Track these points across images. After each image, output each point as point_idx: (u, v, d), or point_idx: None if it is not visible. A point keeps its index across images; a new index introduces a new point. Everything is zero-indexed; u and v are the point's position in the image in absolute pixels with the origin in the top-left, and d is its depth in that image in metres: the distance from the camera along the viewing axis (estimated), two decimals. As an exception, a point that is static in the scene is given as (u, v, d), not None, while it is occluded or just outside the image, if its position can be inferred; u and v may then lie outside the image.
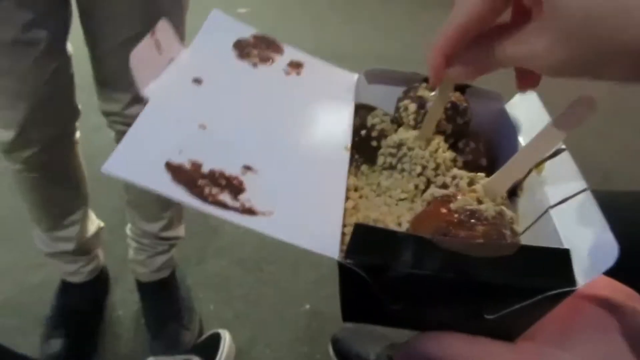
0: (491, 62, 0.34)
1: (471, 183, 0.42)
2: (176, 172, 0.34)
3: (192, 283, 1.30)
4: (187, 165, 0.35)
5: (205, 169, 0.36)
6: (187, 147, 0.36)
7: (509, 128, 0.55)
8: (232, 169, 0.36)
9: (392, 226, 0.40)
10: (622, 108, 2.03)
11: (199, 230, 1.46)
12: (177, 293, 1.22)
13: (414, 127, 0.51)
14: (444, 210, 0.34)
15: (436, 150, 0.48)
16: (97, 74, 0.92)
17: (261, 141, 0.40)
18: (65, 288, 1.19)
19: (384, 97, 0.58)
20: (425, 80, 0.55)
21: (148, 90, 0.39)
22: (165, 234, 1.12)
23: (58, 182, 1.01)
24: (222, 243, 1.46)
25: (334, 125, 0.47)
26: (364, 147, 0.53)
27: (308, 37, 2.40)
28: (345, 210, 0.40)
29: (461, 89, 0.57)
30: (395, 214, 0.41)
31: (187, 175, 0.34)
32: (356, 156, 0.53)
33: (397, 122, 0.54)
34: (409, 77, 0.56)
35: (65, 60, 0.87)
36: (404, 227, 0.40)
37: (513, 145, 0.54)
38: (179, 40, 0.45)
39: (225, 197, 0.34)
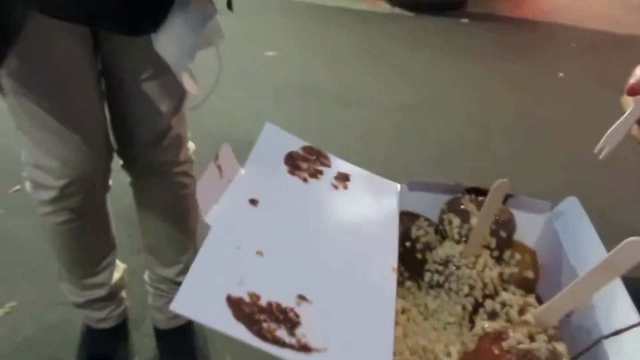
0: None
1: (521, 311, 0.42)
2: (236, 307, 0.36)
3: (209, 332, 1.29)
4: (247, 299, 0.37)
5: (264, 301, 0.37)
6: (247, 277, 0.38)
7: (554, 239, 0.55)
8: (288, 300, 0.38)
9: (441, 356, 0.40)
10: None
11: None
12: (194, 342, 1.19)
13: (459, 241, 0.52)
14: (496, 352, 0.35)
15: (483, 269, 0.48)
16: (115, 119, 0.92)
17: (313, 266, 0.42)
18: (91, 335, 1.17)
19: (426, 205, 0.59)
20: (468, 191, 0.57)
21: (210, 216, 0.41)
22: (182, 279, 1.10)
23: (95, 229, 0.99)
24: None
25: (381, 242, 0.49)
26: (410, 260, 0.54)
27: (334, 82, 2.45)
28: (395, 337, 0.40)
29: (504, 199, 0.57)
30: (444, 342, 0.41)
31: (246, 310, 0.36)
32: (402, 268, 0.53)
33: (441, 234, 0.55)
34: (451, 188, 0.57)
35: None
36: (454, 358, 0.40)
37: (558, 257, 0.54)
38: (237, 162, 0.48)
39: (283, 333, 0.35)
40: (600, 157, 0.41)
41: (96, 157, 0.87)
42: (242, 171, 0.49)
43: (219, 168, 0.45)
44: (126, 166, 1.00)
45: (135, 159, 0.95)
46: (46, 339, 1.28)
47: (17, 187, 1.52)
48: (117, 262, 1.19)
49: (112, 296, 1.17)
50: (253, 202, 0.46)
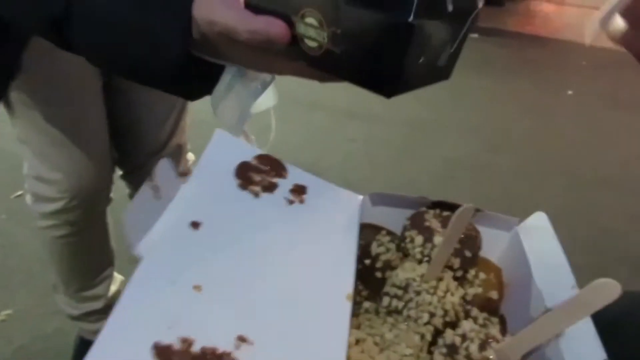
0: None
1: (483, 346, 0.39)
2: (164, 356, 0.31)
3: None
4: (177, 345, 0.33)
5: (197, 346, 0.33)
6: (180, 319, 0.34)
7: (521, 256, 0.53)
8: (225, 343, 0.34)
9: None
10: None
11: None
12: None
13: (420, 261, 0.49)
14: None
15: (445, 294, 0.45)
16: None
17: (258, 300, 0.38)
18: (86, 347, 1.15)
19: (390, 218, 0.56)
20: (433, 205, 0.54)
21: (140, 247, 0.37)
22: None
23: (95, 243, 0.99)
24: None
25: (337, 265, 0.45)
26: (369, 279, 0.50)
27: (341, 96, 2.39)
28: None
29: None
30: (400, 379, 0.38)
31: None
32: (360, 287, 0.50)
33: (403, 251, 0.51)
34: (415, 201, 0.54)
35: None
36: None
37: (524, 275, 0.52)
38: (177, 177, 0.43)
39: (216, 385, 0.31)
40: (588, 41, 0.33)
41: (99, 169, 0.86)
42: (185, 187, 0.44)
43: (155, 188, 0.40)
44: (126, 177, 1.00)
45: (135, 170, 0.95)
46: (40, 348, 1.27)
47: (20, 192, 1.51)
48: (115, 274, 1.18)
49: (109, 309, 1.14)
50: (195, 224, 0.42)
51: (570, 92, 2.68)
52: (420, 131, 2.17)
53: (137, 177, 0.96)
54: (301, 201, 0.50)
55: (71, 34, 0.41)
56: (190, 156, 1.03)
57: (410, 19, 0.28)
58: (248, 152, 0.52)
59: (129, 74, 0.45)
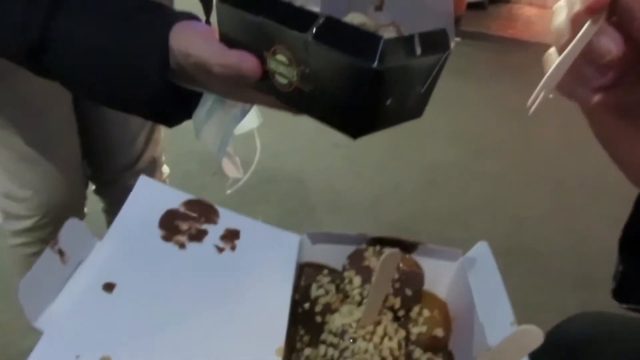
0: None
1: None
2: None
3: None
4: None
5: None
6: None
7: (466, 289, 0.51)
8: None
9: None
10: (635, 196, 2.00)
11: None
12: None
13: (360, 303, 0.47)
14: None
15: (382, 340, 0.43)
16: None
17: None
18: None
19: (331, 256, 0.54)
20: (373, 241, 0.52)
21: (41, 320, 0.34)
22: None
23: None
24: None
25: (268, 317, 0.43)
26: (309, 323, 0.48)
27: None
28: None
29: (409, 248, 0.53)
30: None
31: None
32: (302, 332, 0.48)
33: (343, 292, 0.49)
34: (354, 239, 0.52)
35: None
36: None
37: (470, 309, 0.50)
38: (90, 235, 0.41)
39: None
40: (531, 111, 0.31)
41: (71, 185, 0.84)
42: (100, 245, 0.42)
43: (60, 252, 0.38)
44: (99, 191, 0.98)
45: (108, 184, 0.92)
46: (17, 363, 1.20)
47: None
48: None
49: None
50: (108, 287, 0.39)
51: (551, 96, 2.72)
52: (403, 137, 2.17)
53: (111, 191, 0.93)
54: (232, 247, 0.48)
55: (48, 63, 0.41)
56: (166, 169, 1.01)
57: (375, 65, 0.27)
58: (175, 198, 0.49)
59: (107, 102, 0.46)
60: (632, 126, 0.30)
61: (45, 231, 0.84)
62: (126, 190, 0.99)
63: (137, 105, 0.42)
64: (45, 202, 0.81)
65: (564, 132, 2.30)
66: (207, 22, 0.80)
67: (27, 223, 0.82)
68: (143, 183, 0.48)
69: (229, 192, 0.87)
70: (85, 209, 0.96)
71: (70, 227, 0.39)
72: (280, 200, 1.75)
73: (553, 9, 0.30)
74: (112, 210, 0.97)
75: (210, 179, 1.70)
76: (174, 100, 0.41)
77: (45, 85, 0.75)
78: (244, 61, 0.34)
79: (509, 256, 1.51)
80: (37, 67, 0.42)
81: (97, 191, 0.97)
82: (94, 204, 1.00)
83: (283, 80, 0.33)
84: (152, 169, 0.93)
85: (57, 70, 0.42)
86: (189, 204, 0.50)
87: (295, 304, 0.49)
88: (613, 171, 0.45)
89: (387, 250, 0.39)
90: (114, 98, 0.43)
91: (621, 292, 0.42)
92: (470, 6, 3.66)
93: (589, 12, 0.25)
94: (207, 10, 0.81)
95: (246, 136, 0.60)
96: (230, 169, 0.68)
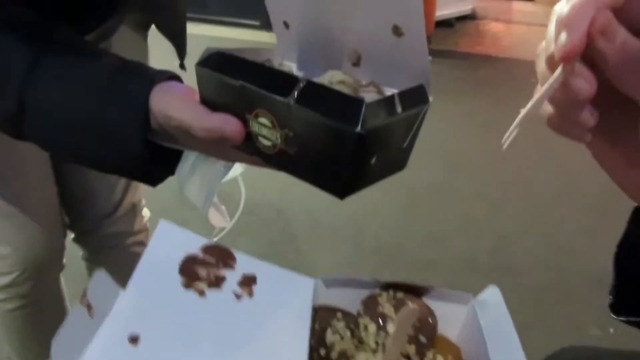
0: None
1: None
2: None
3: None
4: None
5: None
6: None
7: (478, 333, 0.52)
8: None
9: None
10: (612, 206, 2.04)
11: None
12: None
13: (375, 350, 0.48)
14: None
15: (399, 389, 0.44)
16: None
17: None
18: None
19: (344, 300, 0.55)
20: (387, 287, 0.53)
21: (71, 377, 0.35)
22: None
23: (49, 311, 0.94)
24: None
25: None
26: (324, 369, 0.49)
27: None
28: None
29: (420, 291, 0.54)
30: None
31: None
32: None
33: (358, 338, 0.50)
34: (367, 284, 0.53)
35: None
36: None
37: (483, 354, 0.51)
38: (115, 286, 0.41)
39: None
40: (505, 146, 0.33)
41: (50, 237, 0.83)
42: (123, 295, 0.42)
43: (88, 306, 0.38)
44: (78, 240, 0.96)
45: (88, 232, 0.91)
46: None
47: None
48: None
49: None
50: (133, 339, 0.40)
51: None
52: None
53: (90, 238, 0.92)
54: (250, 293, 0.48)
55: (26, 129, 0.40)
56: (146, 212, 1.00)
57: (358, 129, 0.28)
58: (194, 242, 0.50)
59: (89, 165, 0.45)
60: (628, 146, 0.32)
61: (25, 287, 0.83)
62: (106, 239, 0.97)
63: (119, 167, 0.42)
64: (24, 258, 0.79)
65: (538, 145, 2.35)
66: (182, 66, 0.80)
67: (6, 280, 0.81)
68: (163, 228, 0.49)
69: (215, 239, 0.87)
70: (65, 260, 0.93)
71: (97, 280, 0.40)
72: (261, 231, 1.75)
73: (537, 51, 0.31)
74: (92, 258, 0.95)
75: (191, 213, 1.70)
76: (155, 159, 0.40)
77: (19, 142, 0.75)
78: (227, 125, 0.34)
79: (491, 274, 1.51)
80: (16, 131, 0.41)
81: (76, 239, 0.95)
82: (74, 250, 0.99)
83: (267, 142, 0.33)
84: (132, 215, 0.92)
85: (36, 135, 0.41)
86: (207, 249, 0.50)
87: (310, 350, 0.49)
88: (589, 182, 0.46)
89: (405, 308, 0.40)
90: (95, 161, 0.42)
91: (619, 306, 0.42)
92: (438, 24, 3.71)
93: (562, 61, 0.26)
94: (181, 55, 0.81)
95: (230, 181, 0.61)
96: (217, 219, 0.65)
